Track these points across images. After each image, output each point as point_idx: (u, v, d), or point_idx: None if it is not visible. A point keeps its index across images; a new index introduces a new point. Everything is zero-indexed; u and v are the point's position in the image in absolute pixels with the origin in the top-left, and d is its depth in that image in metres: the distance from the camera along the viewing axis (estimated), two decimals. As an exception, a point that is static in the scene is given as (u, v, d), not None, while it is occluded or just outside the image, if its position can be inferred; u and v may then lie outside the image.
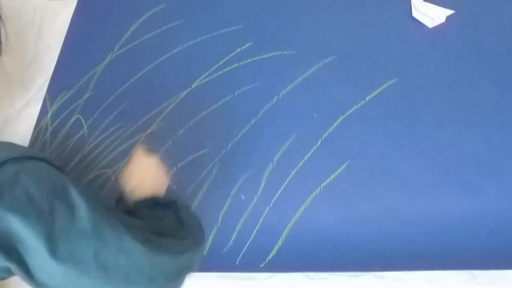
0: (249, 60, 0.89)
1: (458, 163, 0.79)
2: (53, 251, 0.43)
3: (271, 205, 0.76)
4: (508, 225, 0.73)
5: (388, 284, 0.71)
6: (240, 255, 0.73)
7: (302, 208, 0.76)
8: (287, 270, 0.72)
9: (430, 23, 0.93)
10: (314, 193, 0.77)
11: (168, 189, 0.77)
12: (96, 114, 0.84)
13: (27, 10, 0.93)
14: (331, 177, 0.78)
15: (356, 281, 0.71)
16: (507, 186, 0.76)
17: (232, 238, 0.74)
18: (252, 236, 0.74)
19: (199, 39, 0.91)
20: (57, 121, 0.83)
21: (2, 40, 0.66)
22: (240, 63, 0.89)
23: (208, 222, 0.75)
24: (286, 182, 0.78)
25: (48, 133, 0.82)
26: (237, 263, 0.72)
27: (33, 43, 0.90)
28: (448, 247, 0.72)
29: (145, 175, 0.67)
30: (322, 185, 0.78)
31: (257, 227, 0.74)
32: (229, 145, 0.81)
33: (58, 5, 0.94)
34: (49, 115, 0.84)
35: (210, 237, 0.74)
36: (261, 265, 0.72)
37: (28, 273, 0.44)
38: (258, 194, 0.77)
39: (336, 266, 0.71)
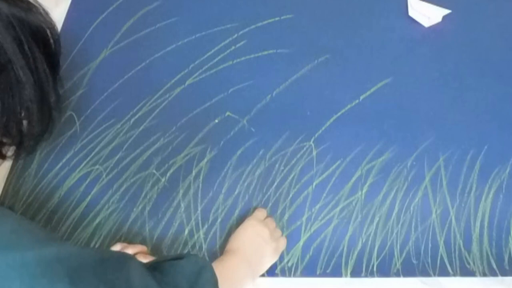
0: (243, 58, 0.89)
1: (453, 163, 0.78)
2: None
3: (262, 203, 0.76)
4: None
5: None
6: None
7: (294, 206, 0.75)
8: (280, 275, 0.71)
9: (426, 22, 0.92)
10: (306, 192, 0.76)
11: (160, 186, 0.77)
12: (89, 110, 0.84)
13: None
14: (324, 175, 0.78)
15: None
16: (503, 188, 0.76)
17: (223, 237, 0.73)
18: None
19: (193, 37, 0.91)
20: (49, 118, 0.83)
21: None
22: (234, 61, 0.89)
23: (198, 220, 0.74)
24: (278, 180, 0.77)
25: (40, 129, 0.82)
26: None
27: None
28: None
29: (248, 242, 0.65)
30: (314, 183, 0.77)
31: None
32: (222, 143, 0.81)
33: (51, 2, 0.94)
34: (41, 112, 0.83)
35: (202, 234, 0.73)
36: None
37: None
38: (250, 191, 0.77)
39: (331, 272, 0.71)
